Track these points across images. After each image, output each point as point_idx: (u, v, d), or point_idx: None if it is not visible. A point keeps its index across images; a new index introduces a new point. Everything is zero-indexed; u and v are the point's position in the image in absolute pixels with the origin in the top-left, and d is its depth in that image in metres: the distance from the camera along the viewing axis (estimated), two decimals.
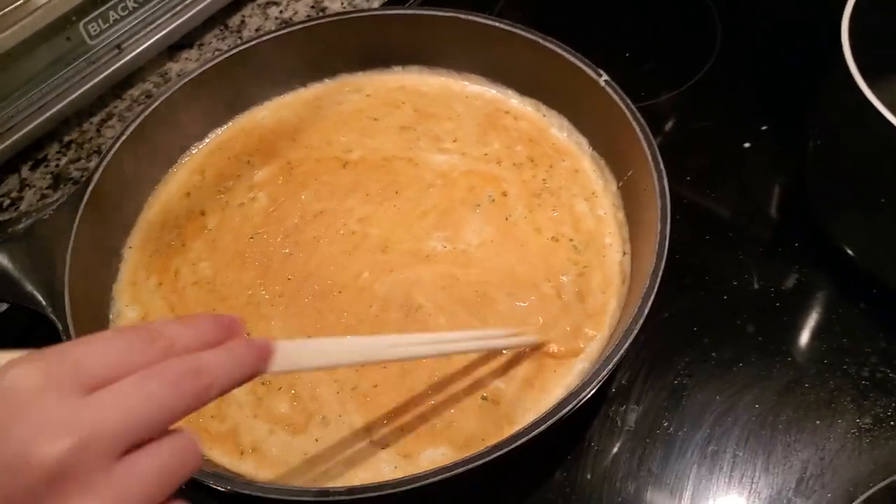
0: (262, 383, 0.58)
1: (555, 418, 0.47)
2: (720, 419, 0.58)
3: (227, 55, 0.71)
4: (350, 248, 0.64)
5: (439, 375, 0.57)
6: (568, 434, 0.58)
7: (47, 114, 0.75)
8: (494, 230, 0.65)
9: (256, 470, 0.54)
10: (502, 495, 0.57)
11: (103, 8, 0.75)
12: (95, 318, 0.61)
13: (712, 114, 0.79)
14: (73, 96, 0.76)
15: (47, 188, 0.77)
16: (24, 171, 0.78)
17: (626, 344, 0.50)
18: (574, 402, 0.48)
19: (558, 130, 0.72)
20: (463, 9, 0.71)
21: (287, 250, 0.65)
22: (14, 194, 0.77)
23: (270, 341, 0.37)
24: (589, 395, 0.48)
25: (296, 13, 0.91)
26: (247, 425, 0.56)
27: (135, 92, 0.84)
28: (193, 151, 0.73)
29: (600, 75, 0.65)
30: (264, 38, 0.72)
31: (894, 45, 0.62)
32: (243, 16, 0.91)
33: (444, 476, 0.45)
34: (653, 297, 0.52)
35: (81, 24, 0.73)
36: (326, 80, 0.77)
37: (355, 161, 0.71)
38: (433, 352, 0.54)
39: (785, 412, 0.58)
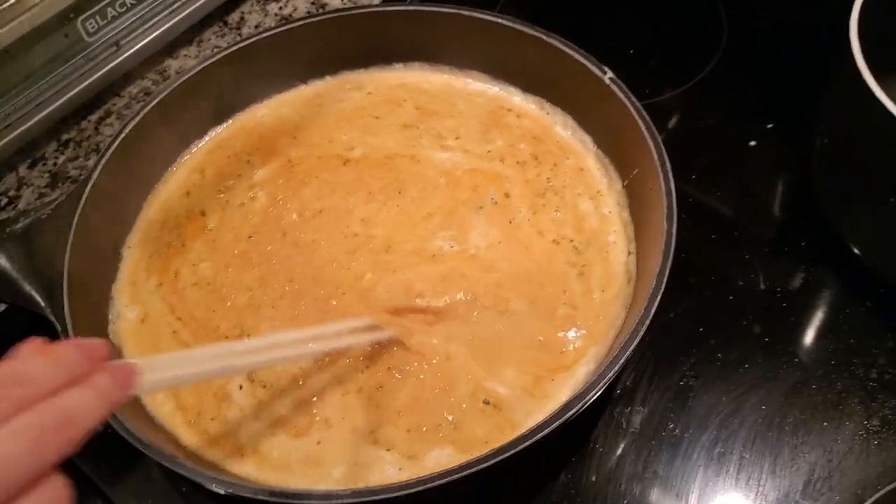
0: (264, 386, 0.57)
1: (561, 420, 0.46)
2: (726, 421, 0.58)
3: (226, 52, 0.70)
4: (352, 248, 0.64)
5: (442, 377, 0.56)
6: (573, 436, 0.58)
7: (45, 111, 0.74)
8: (499, 232, 0.64)
9: (258, 472, 0.54)
10: (507, 497, 0.56)
11: (101, 4, 0.74)
12: (94, 319, 0.61)
13: (717, 112, 0.78)
14: (72, 94, 0.75)
15: (45, 187, 0.76)
16: (22, 170, 0.77)
17: (633, 345, 0.49)
18: (580, 405, 0.47)
19: (562, 128, 0.71)
20: (465, 5, 0.71)
21: (288, 250, 0.64)
22: (12, 193, 0.76)
23: (133, 363, 0.37)
24: (594, 397, 0.48)
25: (295, 9, 0.91)
26: (248, 427, 0.56)
27: (133, 89, 0.84)
28: (193, 150, 0.72)
29: (605, 72, 0.64)
30: (264, 35, 0.71)
31: None
32: (242, 12, 0.91)
33: (449, 479, 0.45)
34: (659, 297, 0.51)
35: (79, 20, 0.73)
36: (327, 78, 0.77)
37: (357, 159, 0.70)
38: (298, 353, 0.54)
39: (792, 414, 0.58)
